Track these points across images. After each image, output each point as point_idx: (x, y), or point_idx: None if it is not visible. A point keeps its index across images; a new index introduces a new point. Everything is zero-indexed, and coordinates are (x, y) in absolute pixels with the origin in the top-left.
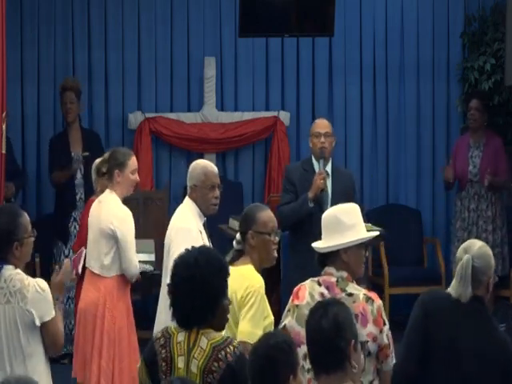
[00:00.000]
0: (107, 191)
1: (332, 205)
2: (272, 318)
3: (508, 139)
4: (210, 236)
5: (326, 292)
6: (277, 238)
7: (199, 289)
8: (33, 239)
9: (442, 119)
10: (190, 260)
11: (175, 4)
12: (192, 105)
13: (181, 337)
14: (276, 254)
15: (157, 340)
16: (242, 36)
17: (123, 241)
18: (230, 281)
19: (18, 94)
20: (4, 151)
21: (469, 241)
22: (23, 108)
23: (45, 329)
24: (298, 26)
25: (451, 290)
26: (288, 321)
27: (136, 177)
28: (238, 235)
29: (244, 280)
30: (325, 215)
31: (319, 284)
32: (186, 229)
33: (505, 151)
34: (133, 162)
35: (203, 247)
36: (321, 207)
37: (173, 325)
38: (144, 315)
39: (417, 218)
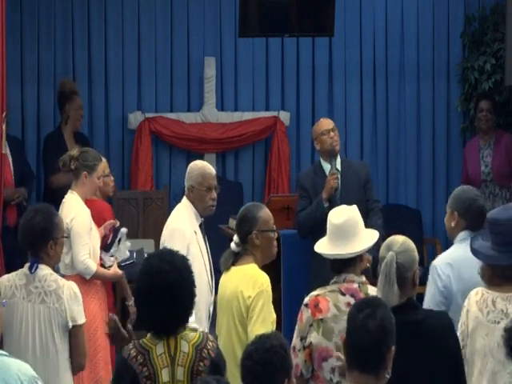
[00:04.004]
0: (69, 192)
1: (342, 201)
2: (274, 315)
3: None
4: (208, 236)
5: (352, 300)
6: (276, 234)
7: (179, 294)
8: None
9: (442, 119)
10: (166, 267)
11: (175, 4)
12: (192, 105)
13: (160, 349)
14: (276, 249)
15: (133, 359)
16: (241, 36)
17: (71, 237)
18: (235, 280)
19: (18, 94)
20: (4, 151)
21: (391, 237)
22: (23, 108)
23: (75, 333)
24: (298, 26)
25: (378, 291)
26: (313, 337)
27: (101, 182)
28: (235, 237)
29: (250, 278)
30: (343, 221)
31: (342, 294)
32: (179, 229)
33: None
34: (101, 167)
35: (166, 252)
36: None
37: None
38: None
39: (417, 217)
